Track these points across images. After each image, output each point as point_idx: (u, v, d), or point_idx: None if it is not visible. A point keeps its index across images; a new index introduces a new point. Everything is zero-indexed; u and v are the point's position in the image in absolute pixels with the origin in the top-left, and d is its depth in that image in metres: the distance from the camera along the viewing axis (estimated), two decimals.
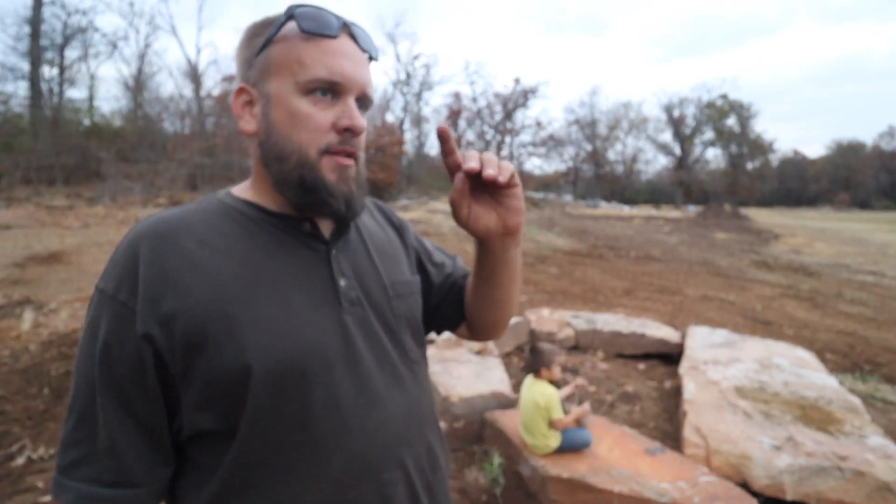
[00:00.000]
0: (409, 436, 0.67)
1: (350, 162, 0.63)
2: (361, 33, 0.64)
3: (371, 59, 0.66)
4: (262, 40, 0.62)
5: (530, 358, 2.37)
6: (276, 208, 0.66)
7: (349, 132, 0.61)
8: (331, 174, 0.61)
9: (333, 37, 0.60)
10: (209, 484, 0.59)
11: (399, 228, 0.84)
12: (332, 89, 0.61)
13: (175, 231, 0.60)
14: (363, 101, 0.64)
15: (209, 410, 0.58)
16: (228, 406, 0.57)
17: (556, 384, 2.42)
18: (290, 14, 0.60)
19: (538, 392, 2.27)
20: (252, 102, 0.63)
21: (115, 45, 28.32)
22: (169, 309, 0.56)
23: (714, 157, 56.20)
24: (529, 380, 2.38)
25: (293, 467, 0.59)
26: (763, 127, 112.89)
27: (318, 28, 0.59)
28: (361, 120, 0.62)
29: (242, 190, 0.69)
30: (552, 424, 2.25)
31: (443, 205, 21.60)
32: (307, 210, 0.64)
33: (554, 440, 2.24)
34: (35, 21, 24.99)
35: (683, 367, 3.45)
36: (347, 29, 0.63)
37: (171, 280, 0.57)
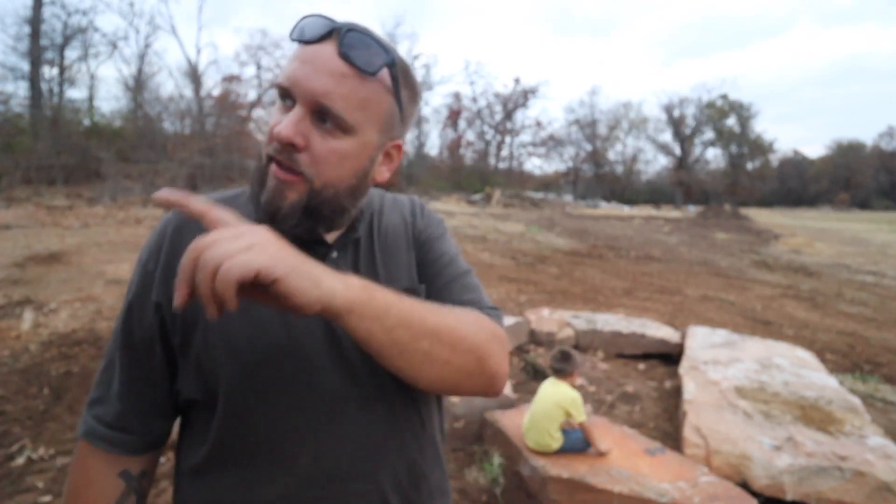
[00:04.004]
0: (387, 449, 0.65)
1: (288, 177, 0.57)
2: (352, 42, 0.56)
3: (363, 71, 0.56)
4: None
5: (565, 361, 2.36)
6: None
7: (277, 142, 0.56)
8: (270, 180, 0.58)
9: (309, 42, 0.57)
10: (200, 449, 0.64)
11: (415, 231, 0.76)
12: (288, 95, 0.57)
13: None
14: (325, 116, 0.56)
15: (196, 381, 0.63)
16: (210, 383, 0.62)
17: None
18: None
19: (562, 393, 2.27)
20: None
21: (115, 45, 28.26)
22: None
23: (714, 157, 56.30)
24: (553, 380, 2.38)
25: (262, 456, 0.62)
26: (763, 127, 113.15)
27: (298, 34, 0.57)
28: (289, 128, 0.54)
29: None
30: (580, 426, 2.25)
31: (443, 205, 21.60)
32: None
33: (556, 442, 2.25)
34: (35, 21, 24.95)
35: (683, 367, 3.45)
36: (337, 35, 0.56)
37: None
